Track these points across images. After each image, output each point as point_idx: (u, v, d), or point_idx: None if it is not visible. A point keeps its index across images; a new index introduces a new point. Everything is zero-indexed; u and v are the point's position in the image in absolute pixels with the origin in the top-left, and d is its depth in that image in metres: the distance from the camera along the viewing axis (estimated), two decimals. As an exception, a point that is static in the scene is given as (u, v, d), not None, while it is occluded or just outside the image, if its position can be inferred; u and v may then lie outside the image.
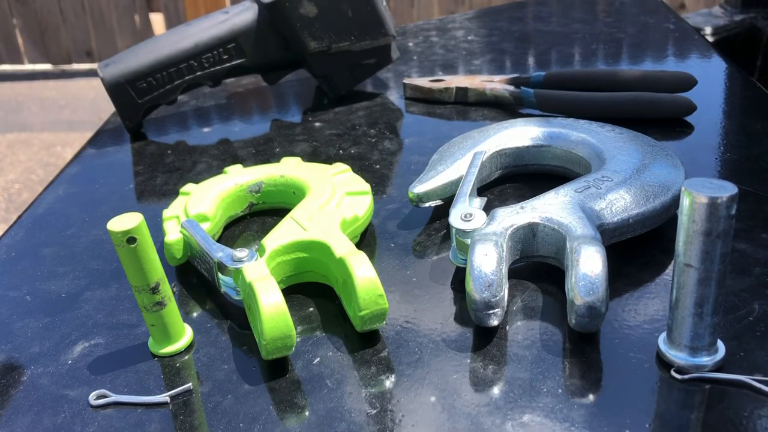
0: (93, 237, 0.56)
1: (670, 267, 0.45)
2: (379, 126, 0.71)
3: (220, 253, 0.44)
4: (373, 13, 0.73)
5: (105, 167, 0.69)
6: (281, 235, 0.45)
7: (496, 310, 0.40)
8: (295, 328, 0.40)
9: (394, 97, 0.79)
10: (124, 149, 0.72)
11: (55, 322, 0.46)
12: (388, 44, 0.76)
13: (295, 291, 0.46)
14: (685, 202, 0.33)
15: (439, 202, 0.53)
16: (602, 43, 0.91)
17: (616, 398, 0.36)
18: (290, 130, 0.73)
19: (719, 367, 0.37)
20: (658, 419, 0.34)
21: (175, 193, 0.61)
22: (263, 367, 0.40)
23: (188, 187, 0.54)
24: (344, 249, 0.43)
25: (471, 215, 0.44)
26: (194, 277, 0.49)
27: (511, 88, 0.71)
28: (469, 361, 0.39)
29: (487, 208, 0.50)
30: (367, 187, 0.52)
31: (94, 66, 3.32)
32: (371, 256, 0.49)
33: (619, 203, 0.45)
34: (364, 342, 0.41)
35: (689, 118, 0.65)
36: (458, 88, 0.74)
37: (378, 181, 0.60)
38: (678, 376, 0.36)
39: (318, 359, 0.40)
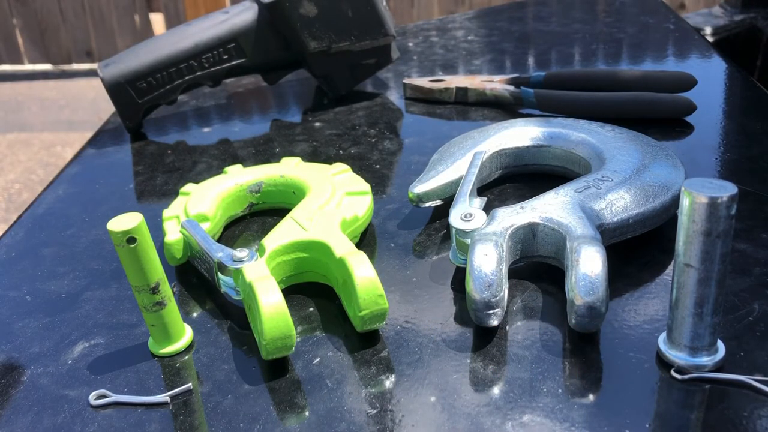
0: (93, 237, 0.56)
1: (670, 267, 0.45)
2: (379, 126, 0.71)
3: (220, 253, 0.44)
4: (373, 13, 0.73)
5: (105, 167, 0.69)
6: (281, 235, 0.45)
7: (496, 310, 0.40)
8: (295, 328, 0.40)
9: (394, 97, 0.79)
10: (124, 149, 0.72)
11: (55, 322, 0.46)
12: (388, 44, 0.76)
13: (295, 291, 0.46)
14: (685, 202, 0.33)
15: (439, 202, 0.53)
16: (602, 43, 0.91)
17: (616, 398, 0.36)
18: (290, 130, 0.73)
19: (719, 367, 0.37)
20: (658, 419, 0.34)
21: (175, 193, 0.61)
22: (263, 367, 0.40)
23: (188, 187, 0.54)
24: (344, 249, 0.43)
25: (471, 215, 0.44)
26: (194, 277, 0.49)
27: (511, 88, 0.71)
28: (469, 361, 0.39)
29: (487, 208, 0.50)
30: (367, 187, 0.52)
31: (94, 66, 3.32)
32: (371, 256, 0.49)
33: (619, 203, 0.45)
34: (364, 342, 0.41)
35: (689, 118, 0.65)
36: (458, 88, 0.74)
37: (378, 181, 0.60)
38: (678, 376, 0.36)
39: (318, 359, 0.40)
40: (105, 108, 2.89)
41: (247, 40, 0.72)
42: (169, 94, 0.72)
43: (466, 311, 0.42)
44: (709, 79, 0.75)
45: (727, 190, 0.32)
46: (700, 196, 0.32)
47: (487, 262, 0.40)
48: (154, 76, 0.71)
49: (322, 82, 0.77)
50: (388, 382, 0.38)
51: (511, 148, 0.56)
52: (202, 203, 0.51)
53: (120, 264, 0.49)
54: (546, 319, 0.42)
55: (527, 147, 0.56)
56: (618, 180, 0.47)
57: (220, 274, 0.44)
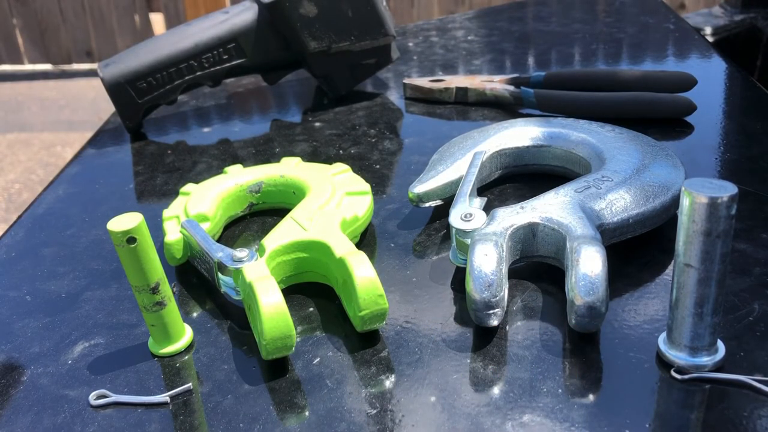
0: (93, 237, 0.56)
1: (670, 267, 0.45)
2: (379, 126, 0.71)
3: (220, 253, 0.44)
4: (373, 13, 0.73)
5: (105, 167, 0.69)
6: (281, 235, 0.45)
7: (496, 310, 0.40)
8: (295, 328, 0.40)
9: (394, 97, 0.79)
10: (124, 149, 0.72)
11: (55, 322, 0.46)
12: (388, 44, 0.76)
13: (295, 291, 0.46)
14: (685, 202, 0.33)
15: (439, 202, 0.53)
16: (602, 43, 0.91)
17: (616, 398, 0.36)
18: (290, 130, 0.73)
19: (719, 367, 0.37)
20: (658, 419, 0.34)
21: (175, 193, 0.61)
22: (263, 367, 0.40)
23: (188, 187, 0.54)
24: (344, 249, 0.43)
25: (471, 215, 0.44)
26: (194, 277, 0.49)
27: (511, 88, 0.71)
28: (469, 361, 0.39)
29: (487, 208, 0.50)
30: (367, 187, 0.52)
31: (94, 66, 3.32)
32: (371, 256, 0.49)
33: (619, 203, 0.45)
34: (364, 342, 0.41)
35: (689, 118, 0.65)
36: (458, 88, 0.74)
37: (378, 181, 0.60)
38: (678, 376, 0.36)
39: (318, 359, 0.40)
40: (105, 108, 2.89)
41: (247, 40, 0.72)
42: (169, 94, 0.72)
43: (466, 311, 0.42)
44: (709, 79, 0.75)
45: (727, 190, 0.32)
46: (700, 196, 0.32)
47: (487, 262, 0.40)
48: (154, 76, 0.71)
49: (322, 82, 0.77)
50: (388, 382, 0.38)
51: (511, 148, 0.56)
52: (202, 203, 0.51)
53: (120, 264, 0.49)
54: (546, 319, 0.42)
55: (527, 147, 0.56)
56: (618, 180, 0.47)
57: (220, 274, 0.44)
